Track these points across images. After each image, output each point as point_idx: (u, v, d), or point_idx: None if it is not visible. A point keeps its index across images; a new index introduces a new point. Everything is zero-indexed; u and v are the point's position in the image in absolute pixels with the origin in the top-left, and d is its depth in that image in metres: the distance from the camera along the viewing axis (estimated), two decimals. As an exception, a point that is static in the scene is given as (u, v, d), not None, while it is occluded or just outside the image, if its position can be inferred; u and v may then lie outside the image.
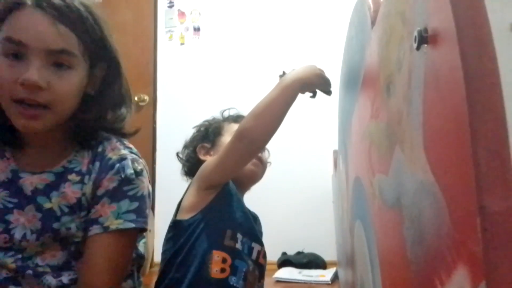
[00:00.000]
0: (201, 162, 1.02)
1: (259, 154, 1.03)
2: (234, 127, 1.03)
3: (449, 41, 0.39)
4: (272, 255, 2.46)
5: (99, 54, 0.77)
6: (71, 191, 0.76)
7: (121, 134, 0.85)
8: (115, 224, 0.74)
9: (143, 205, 0.78)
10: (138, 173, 0.78)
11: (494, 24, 0.37)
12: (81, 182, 0.77)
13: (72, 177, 0.77)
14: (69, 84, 0.72)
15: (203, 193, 0.94)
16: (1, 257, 0.74)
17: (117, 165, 0.77)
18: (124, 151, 0.80)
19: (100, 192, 0.76)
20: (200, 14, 2.87)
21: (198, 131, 1.11)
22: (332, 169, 1.84)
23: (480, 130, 0.34)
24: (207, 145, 1.07)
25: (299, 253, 2.53)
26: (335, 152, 1.70)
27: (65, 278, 0.75)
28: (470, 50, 0.36)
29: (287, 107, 0.86)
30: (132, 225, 0.75)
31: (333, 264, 2.27)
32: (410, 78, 0.50)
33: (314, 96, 0.98)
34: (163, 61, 2.82)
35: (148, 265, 1.64)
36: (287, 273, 2.29)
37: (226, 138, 1.03)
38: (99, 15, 0.76)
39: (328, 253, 2.32)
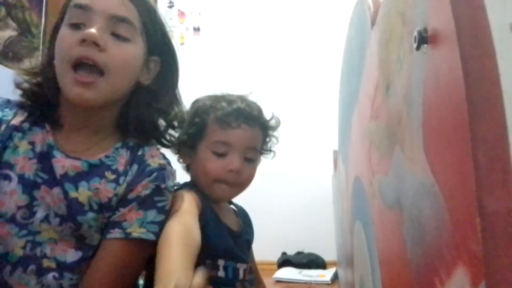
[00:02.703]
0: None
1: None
2: (217, 134, 0.85)
3: (449, 41, 0.39)
4: (272, 255, 2.46)
5: (157, 43, 0.79)
6: (105, 189, 0.73)
7: (162, 142, 0.84)
8: (137, 232, 0.71)
9: (166, 220, 0.75)
10: (172, 187, 0.78)
11: (494, 24, 0.37)
12: (116, 181, 0.75)
13: (108, 174, 0.75)
14: (127, 53, 0.73)
15: None
16: (15, 233, 0.69)
17: (155, 173, 0.75)
18: (163, 161, 0.79)
19: (131, 196, 0.74)
20: (200, 14, 2.87)
21: (183, 131, 0.90)
22: (332, 169, 1.84)
23: (480, 130, 0.34)
24: (188, 150, 0.90)
25: (299, 253, 2.53)
26: (335, 152, 1.70)
27: (66, 282, 0.72)
28: (470, 50, 0.36)
29: None
30: (154, 237, 0.71)
31: (333, 264, 2.27)
32: (410, 78, 0.50)
33: None
34: (163, 61, 2.83)
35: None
36: (287, 273, 2.29)
37: (202, 147, 0.86)
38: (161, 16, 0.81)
39: (328, 253, 2.32)
